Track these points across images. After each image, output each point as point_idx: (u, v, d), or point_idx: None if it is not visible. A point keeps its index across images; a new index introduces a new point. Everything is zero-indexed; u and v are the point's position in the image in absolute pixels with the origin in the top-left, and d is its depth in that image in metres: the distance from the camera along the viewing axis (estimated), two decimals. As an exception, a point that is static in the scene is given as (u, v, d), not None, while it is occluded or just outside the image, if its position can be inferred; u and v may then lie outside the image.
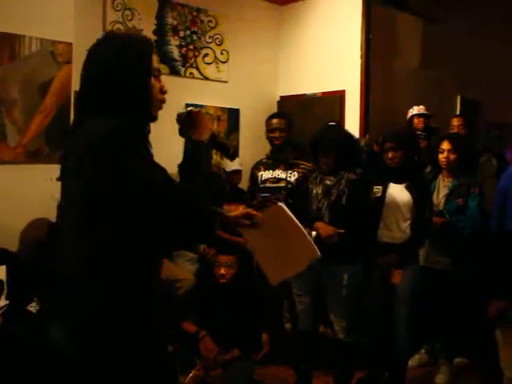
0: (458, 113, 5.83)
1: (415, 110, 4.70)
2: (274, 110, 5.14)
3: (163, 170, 1.50)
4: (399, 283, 3.20)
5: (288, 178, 3.70)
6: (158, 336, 1.56)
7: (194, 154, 1.62)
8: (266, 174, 3.78)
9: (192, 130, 1.65)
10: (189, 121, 1.68)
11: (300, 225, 2.01)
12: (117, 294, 1.43)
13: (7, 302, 2.98)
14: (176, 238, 1.53)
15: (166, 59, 4.40)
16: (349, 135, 3.28)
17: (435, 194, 3.61)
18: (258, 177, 3.82)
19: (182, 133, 1.71)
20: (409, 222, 3.22)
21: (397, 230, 3.23)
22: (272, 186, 3.73)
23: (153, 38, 4.29)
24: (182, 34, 4.53)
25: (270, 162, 3.83)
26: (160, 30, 4.37)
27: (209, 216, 1.55)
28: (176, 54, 4.48)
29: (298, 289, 3.24)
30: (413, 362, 3.75)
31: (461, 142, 3.71)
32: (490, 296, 2.35)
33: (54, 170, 3.41)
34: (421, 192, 3.26)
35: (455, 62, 5.76)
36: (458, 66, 5.78)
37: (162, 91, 1.63)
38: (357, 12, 4.69)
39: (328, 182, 3.09)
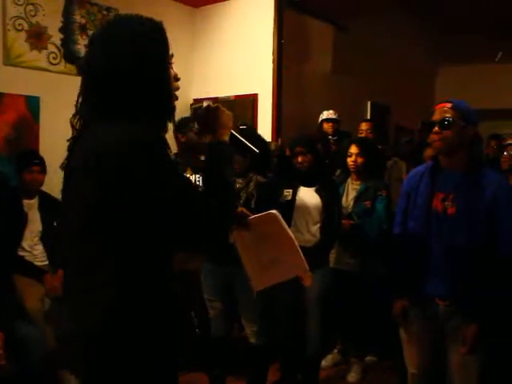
0: (368, 117, 6.01)
1: (325, 114, 4.80)
2: (187, 112, 5.07)
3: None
4: (310, 285, 3.24)
5: (197, 182, 3.65)
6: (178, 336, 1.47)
7: (214, 158, 1.48)
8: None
9: (210, 130, 1.52)
10: (206, 118, 1.54)
11: (292, 236, 2.02)
12: (129, 293, 1.32)
13: None
14: (185, 241, 1.42)
15: (74, 59, 4.22)
16: (260, 138, 3.28)
17: (344, 196, 3.70)
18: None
19: (201, 133, 1.58)
20: (319, 224, 3.27)
21: (307, 232, 3.26)
22: None
23: (59, 35, 4.12)
24: (90, 33, 4.36)
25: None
26: (67, 28, 4.19)
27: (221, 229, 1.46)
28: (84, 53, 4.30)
29: (209, 294, 3.19)
30: (326, 362, 3.82)
31: (368, 145, 3.83)
32: (395, 295, 2.42)
33: None
34: (330, 195, 3.31)
35: (365, 68, 5.96)
36: (367, 72, 5.99)
37: (176, 78, 1.49)
38: (269, 17, 4.72)
39: (237, 185, 3.08)
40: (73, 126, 1.46)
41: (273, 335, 3.28)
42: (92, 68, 1.38)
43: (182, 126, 3.77)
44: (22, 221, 3.47)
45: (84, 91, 1.42)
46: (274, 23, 4.69)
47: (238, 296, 3.11)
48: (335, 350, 3.94)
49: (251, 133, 3.41)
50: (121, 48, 1.36)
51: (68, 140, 1.48)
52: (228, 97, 4.91)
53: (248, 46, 4.85)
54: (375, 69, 6.15)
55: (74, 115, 1.45)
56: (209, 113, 1.55)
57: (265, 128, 4.48)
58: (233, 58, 4.95)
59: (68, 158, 1.45)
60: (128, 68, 1.35)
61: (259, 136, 3.36)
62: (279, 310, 3.35)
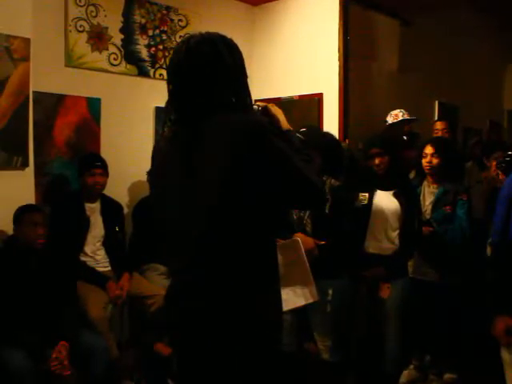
0: (436, 117, 5.70)
1: (405, 114, 4.49)
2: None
3: None
4: (387, 298, 3.00)
5: None
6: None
7: (288, 140, 1.70)
8: None
9: (273, 123, 1.75)
10: (264, 115, 1.75)
11: (308, 265, 2.15)
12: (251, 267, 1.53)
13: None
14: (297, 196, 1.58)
15: (134, 59, 4.12)
16: (332, 138, 3.07)
17: (421, 201, 3.43)
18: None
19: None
20: (397, 231, 3.03)
21: (385, 240, 3.03)
22: None
23: (119, 36, 4.02)
24: (150, 32, 4.25)
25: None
26: (127, 28, 4.09)
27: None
28: (144, 54, 4.20)
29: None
30: (402, 378, 3.55)
31: (444, 145, 3.54)
32: (497, 311, 2.15)
33: (11, 177, 3.23)
34: (409, 199, 3.07)
35: (431, 66, 5.65)
36: (434, 70, 5.68)
37: None
38: (334, 13, 4.49)
39: None
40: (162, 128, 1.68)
41: (347, 350, 3.05)
42: (191, 74, 1.57)
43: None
44: (84, 225, 3.37)
45: (182, 95, 1.59)
46: (340, 19, 4.46)
47: (310, 309, 2.89)
48: (411, 366, 3.65)
49: (315, 134, 3.21)
50: (222, 58, 1.59)
51: (161, 140, 1.72)
52: (291, 97, 4.71)
53: (311, 44, 4.64)
54: (442, 67, 5.82)
55: (167, 117, 1.64)
56: (266, 111, 1.78)
57: (331, 129, 4.22)
58: (295, 57, 4.75)
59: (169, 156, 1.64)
60: (228, 74, 1.60)
61: (330, 135, 3.15)
62: (354, 324, 3.11)
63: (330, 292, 2.81)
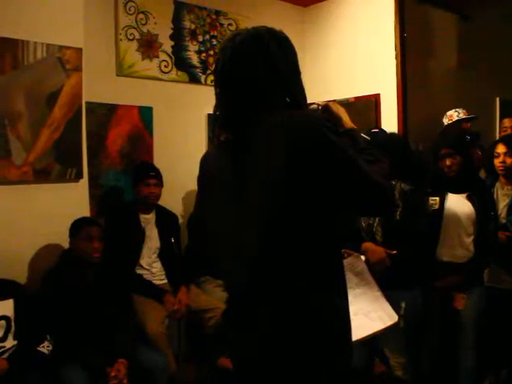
0: (497, 116, 5.39)
1: (461, 113, 4.27)
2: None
3: None
4: (463, 309, 2.78)
5: None
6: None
7: (352, 138, 1.58)
8: None
9: (335, 122, 1.61)
10: (325, 115, 1.63)
11: (376, 284, 1.93)
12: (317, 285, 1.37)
13: (15, 342, 2.61)
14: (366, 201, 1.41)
15: (185, 66, 4.03)
16: (400, 139, 2.88)
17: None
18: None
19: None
20: (472, 237, 2.80)
21: (459, 246, 2.81)
22: None
23: (170, 43, 3.95)
24: (200, 38, 4.16)
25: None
26: (177, 34, 4.01)
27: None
28: (195, 60, 4.11)
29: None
30: (476, 396, 3.30)
31: (518, 143, 3.28)
32: None
33: (65, 189, 3.18)
34: (484, 202, 2.84)
35: (492, 62, 5.35)
36: (495, 66, 5.38)
37: None
38: (389, 9, 4.29)
39: None
40: (213, 134, 1.55)
41: (421, 367, 2.84)
42: (248, 77, 1.44)
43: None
44: (139, 237, 3.29)
45: (230, 98, 1.46)
46: (395, 15, 4.25)
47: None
48: (487, 381, 3.40)
49: (381, 135, 3.04)
50: (286, 56, 1.47)
51: (216, 146, 1.55)
52: (347, 99, 4.53)
53: (366, 43, 4.45)
54: (504, 62, 5.51)
55: (218, 122, 1.50)
56: (328, 110, 1.64)
57: (390, 130, 4.04)
58: (349, 57, 4.57)
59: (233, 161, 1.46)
60: (286, 73, 1.45)
61: (395, 136, 2.96)
62: (428, 339, 2.89)
63: (403, 305, 2.61)
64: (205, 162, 1.60)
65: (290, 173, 1.30)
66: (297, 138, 1.30)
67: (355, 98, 4.47)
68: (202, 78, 4.14)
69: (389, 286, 2.47)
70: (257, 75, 1.41)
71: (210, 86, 4.13)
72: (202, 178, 1.61)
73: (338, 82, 4.63)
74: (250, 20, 4.45)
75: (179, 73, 3.99)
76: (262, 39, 1.43)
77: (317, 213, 1.34)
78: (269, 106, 1.41)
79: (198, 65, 4.12)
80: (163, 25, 3.94)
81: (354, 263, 2.11)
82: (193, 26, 4.12)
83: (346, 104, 4.48)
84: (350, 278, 1.83)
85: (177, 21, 4.02)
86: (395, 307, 2.56)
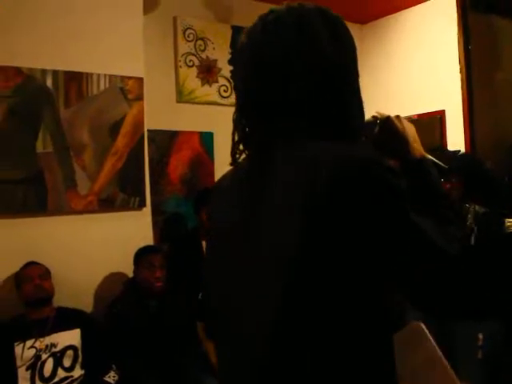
0: None
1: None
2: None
3: None
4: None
5: None
6: None
7: (426, 176, 1.07)
8: None
9: (399, 147, 1.09)
10: (384, 134, 1.11)
11: (444, 359, 1.31)
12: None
13: (83, 371, 2.62)
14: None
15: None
16: (473, 158, 2.74)
17: None
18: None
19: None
20: (555, 262, 2.61)
21: (541, 273, 2.61)
22: None
23: (228, 67, 3.95)
24: (258, 61, 4.15)
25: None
26: (235, 58, 4.02)
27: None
28: (253, 83, 4.10)
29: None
30: None
31: None
32: None
33: (129, 217, 3.20)
34: None
35: None
36: None
37: None
38: (452, 22, 4.16)
39: None
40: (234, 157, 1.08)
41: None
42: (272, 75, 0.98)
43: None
44: (202, 264, 3.26)
45: (251, 105, 1.02)
46: (459, 27, 4.12)
47: (456, 354, 2.54)
48: None
49: (451, 155, 2.90)
50: (320, 48, 0.99)
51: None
52: (409, 117, 4.38)
53: (428, 58, 4.32)
54: None
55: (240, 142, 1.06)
56: (387, 124, 1.11)
57: (457, 148, 3.88)
58: (411, 73, 4.45)
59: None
60: (332, 75, 0.99)
61: (468, 156, 2.82)
62: (507, 375, 2.70)
63: (481, 336, 2.45)
64: (215, 196, 1.16)
65: (305, 246, 0.85)
66: (329, 195, 0.84)
67: (418, 115, 4.33)
68: (261, 101, 4.12)
69: (466, 316, 2.32)
70: (290, 71, 0.95)
71: (269, 108, 4.14)
72: (210, 219, 1.16)
73: (400, 99, 4.50)
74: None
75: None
76: (305, 18, 0.98)
77: (351, 290, 0.87)
78: (305, 122, 0.95)
79: (256, 88, 4.10)
80: (221, 50, 3.96)
81: (410, 335, 1.40)
82: (251, 50, 4.11)
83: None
84: (408, 356, 1.24)
85: (235, 45, 4.03)
86: (472, 339, 2.42)
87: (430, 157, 1.14)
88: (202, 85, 3.81)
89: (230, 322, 1.01)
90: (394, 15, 4.66)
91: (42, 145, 2.96)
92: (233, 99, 3.81)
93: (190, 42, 3.79)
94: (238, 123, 1.05)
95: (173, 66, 3.71)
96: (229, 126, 3.68)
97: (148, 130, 3.29)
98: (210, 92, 3.84)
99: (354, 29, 4.53)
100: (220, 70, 3.91)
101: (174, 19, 3.77)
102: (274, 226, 0.91)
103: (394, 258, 0.85)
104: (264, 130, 1.00)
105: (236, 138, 1.06)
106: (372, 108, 3.82)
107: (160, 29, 3.68)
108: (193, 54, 3.79)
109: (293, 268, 0.86)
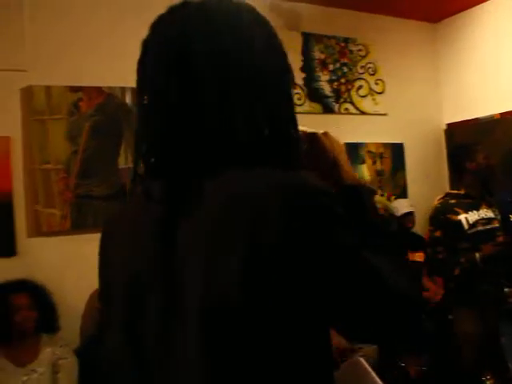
0: None
1: None
2: (442, 140, 4.49)
3: None
4: None
5: (497, 217, 3.03)
6: None
7: (362, 205, 0.91)
8: (471, 217, 3.02)
9: (328, 168, 0.93)
10: (312, 152, 0.94)
11: None
12: None
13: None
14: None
15: (318, 97, 3.96)
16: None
17: None
18: (459, 222, 3.02)
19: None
20: None
21: None
22: (484, 228, 3.01)
23: (301, 75, 3.90)
24: (331, 67, 4.07)
25: (469, 202, 3.08)
26: (308, 66, 3.96)
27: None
28: (327, 89, 4.02)
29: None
30: None
31: None
32: None
33: None
34: None
35: None
36: None
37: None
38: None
39: None
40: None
41: None
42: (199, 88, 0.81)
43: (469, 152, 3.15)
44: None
45: (163, 120, 0.83)
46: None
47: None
48: None
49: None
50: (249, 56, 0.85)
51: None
52: (491, 116, 4.17)
53: (510, 52, 4.09)
54: None
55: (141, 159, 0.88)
56: (313, 142, 0.95)
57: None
58: (491, 70, 4.22)
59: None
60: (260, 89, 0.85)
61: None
62: None
63: None
64: (107, 234, 0.93)
65: (248, 286, 0.73)
66: (271, 229, 0.72)
67: (501, 114, 4.09)
68: (336, 107, 4.03)
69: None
70: (213, 81, 0.80)
71: (344, 114, 4.06)
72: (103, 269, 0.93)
73: (481, 97, 4.28)
74: (380, 43, 4.31)
75: (312, 104, 3.92)
76: (239, 19, 0.85)
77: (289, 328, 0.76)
78: (232, 144, 0.79)
79: (330, 94, 4.02)
80: (293, 57, 3.84)
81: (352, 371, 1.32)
82: (322, 56, 4.04)
83: (490, 122, 4.14)
84: None
85: (306, 52, 3.98)
86: None
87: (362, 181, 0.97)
88: (276, 94, 3.77)
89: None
90: (469, 10, 4.44)
91: (124, 160, 3.01)
92: (306, 107, 3.74)
93: (261, 51, 3.77)
94: (143, 145, 0.86)
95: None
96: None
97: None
98: (284, 101, 3.80)
99: (425, 28, 4.40)
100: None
101: (245, 30, 3.75)
102: (203, 271, 0.75)
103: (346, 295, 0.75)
104: (180, 156, 0.82)
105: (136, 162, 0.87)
106: (450, 107, 3.66)
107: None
108: (265, 64, 3.76)
109: (230, 315, 0.73)
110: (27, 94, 2.91)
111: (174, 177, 0.81)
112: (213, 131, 0.79)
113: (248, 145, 0.80)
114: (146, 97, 0.85)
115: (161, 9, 0.88)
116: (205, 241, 0.76)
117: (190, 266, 0.77)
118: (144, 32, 0.88)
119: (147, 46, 0.87)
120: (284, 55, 0.89)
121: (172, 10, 0.86)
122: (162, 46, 0.83)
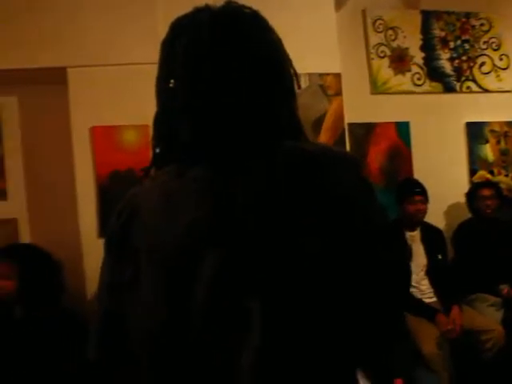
0: None
1: None
2: None
3: None
4: None
5: None
6: None
7: None
8: None
9: None
10: None
11: None
12: None
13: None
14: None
15: (438, 76, 3.90)
16: None
17: None
18: None
19: None
20: None
21: None
22: None
23: (420, 54, 3.87)
24: (452, 44, 3.99)
25: None
26: (428, 44, 3.91)
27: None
28: (448, 68, 3.95)
29: None
30: None
31: None
32: None
33: None
34: None
35: None
36: None
37: None
38: None
39: None
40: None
41: None
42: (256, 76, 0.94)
43: None
44: (406, 254, 3.25)
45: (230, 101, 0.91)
46: None
47: None
48: None
49: None
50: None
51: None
52: None
53: None
54: None
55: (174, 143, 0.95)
56: None
57: None
58: None
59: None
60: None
61: None
62: None
63: None
64: (139, 208, 0.93)
65: (325, 237, 0.84)
66: (339, 189, 0.87)
67: None
68: (457, 85, 3.95)
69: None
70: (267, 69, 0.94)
71: (466, 92, 3.98)
72: (129, 238, 0.92)
73: None
74: (505, 16, 4.14)
75: (433, 83, 3.87)
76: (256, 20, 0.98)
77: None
78: (277, 123, 0.94)
79: (451, 73, 3.95)
80: (412, 37, 3.88)
81: None
82: (443, 34, 3.97)
83: None
84: None
85: (426, 31, 3.93)
86: None
87: None
88: (395, 74, 3.77)
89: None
90: None
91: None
92: (426, 86, 3.73)
93: (379, 32, 3.77)
94: (168, 128, 0.94)
95: (365, 59, 3.73)
96: (424, 114, 3.64)
97: (347, 124, 3.36)
98: (404, 81, 3.79)
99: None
100: (412, 57, 3.84)
101: (363, 12, 3.78)
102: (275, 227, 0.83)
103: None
104: (230, 136, 0.89)
105: (158, 145, 0.96)
106: None
107: (350, 24, 3.72)
108: (384, 45, 3.77)
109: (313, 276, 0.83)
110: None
111: (221, 157, 0.89)
112: (263, 118, 0.92)
113: (288, 128, 0.95)
114: (172, 80, 0.93)
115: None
116: (274, 194, 0.84)
117: (257, 222, 0.83)
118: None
119: (180, 32, 0.94)
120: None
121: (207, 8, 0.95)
122: (216, 35, 0.91)
